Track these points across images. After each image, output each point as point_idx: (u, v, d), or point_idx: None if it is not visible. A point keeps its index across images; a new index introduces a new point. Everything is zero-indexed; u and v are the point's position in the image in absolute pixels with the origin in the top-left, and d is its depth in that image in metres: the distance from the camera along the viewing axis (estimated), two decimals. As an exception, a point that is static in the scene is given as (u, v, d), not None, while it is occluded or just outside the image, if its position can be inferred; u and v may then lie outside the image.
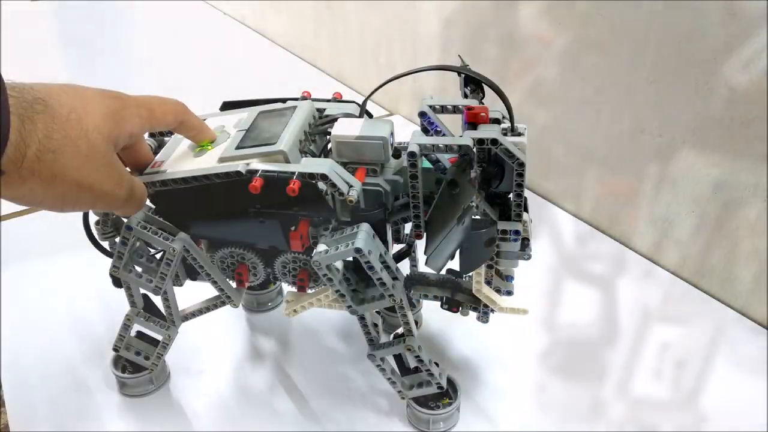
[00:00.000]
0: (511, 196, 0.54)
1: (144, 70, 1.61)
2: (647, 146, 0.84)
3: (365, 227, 0.53)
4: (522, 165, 0.51)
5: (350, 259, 0.56)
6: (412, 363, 0.62)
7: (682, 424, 0.64)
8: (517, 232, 0.54)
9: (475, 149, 0.51)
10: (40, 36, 1.92)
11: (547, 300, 0.81)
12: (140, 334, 0.68)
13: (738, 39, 0.70)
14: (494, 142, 0.50)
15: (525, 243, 0.57)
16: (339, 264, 0.56)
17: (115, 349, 0.66)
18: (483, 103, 0.56)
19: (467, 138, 0.51)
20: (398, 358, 0.62)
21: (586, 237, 0.94)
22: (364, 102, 0.59)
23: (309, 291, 0.62)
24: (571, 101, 0.93)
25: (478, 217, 0.55)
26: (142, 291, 0.64)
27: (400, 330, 0.60)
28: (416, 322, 0.76)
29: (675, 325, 0.77)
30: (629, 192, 0.89)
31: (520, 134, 0.54)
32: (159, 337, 0.66)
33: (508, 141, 0.51)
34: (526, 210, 0.56)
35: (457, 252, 0.55)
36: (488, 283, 0.61)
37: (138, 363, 0.67)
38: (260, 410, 0.67)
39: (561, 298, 0.82)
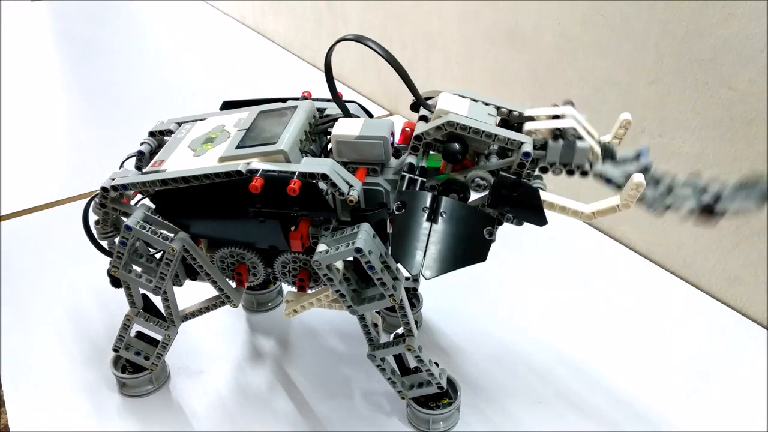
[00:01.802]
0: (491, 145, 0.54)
1: (144, 70, 1.62)
2: (647, 146, 0.84)
3: (365, 227, 0.53)
4: (451, 124, 0.52)
5: (351, 259, 0.56)
6: (412, 363, 0.62)
7: (682, 424, 0.64)
8: (526, 155, 0.51)
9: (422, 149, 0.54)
10: (40, 36, 1.92)
11: (547, 300, 0.81)
12: (140, 335, 0.68)
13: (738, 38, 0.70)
14: (418, 138, 0.54)
15: (558, 135, 0.52)
16: (339, 264, 0.56)
17: (115, 350, 0.66)
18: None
19: (409, 157, 0.55)
20: (398, 358, 0.62)
21: (587, 238, 0.94)
22: (332, 93, 0.60)
23: (309, 291, 0.62)
24: (571, 101, 0.93)
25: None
26: (142, 291, 0.64)
27: (400, 330, 0.60)
28: (416, 322, 0.76)
29: (675, 325, 0.77)
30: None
31: (433, 106, 0.55)
32: (159, 337, 0.66)
33: (430, 124, 0.53)
34: (521, 128, 0.54)
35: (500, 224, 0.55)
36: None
37: (138, 363, 0.67)
38: (260, 410, 0.67)
39: (561, 298, 0.82)
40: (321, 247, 0.53)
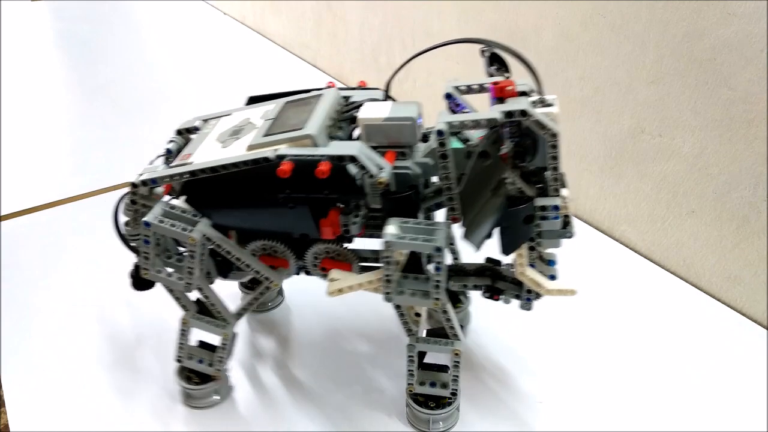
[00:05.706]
0: (547, 171, 0.52)
1: (144, 69, 1.61)
2: (647, 146, 0.84)
3: (443, 225, 0.53)
4: (554, 135, 0.49)
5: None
6: (447, 363, 0.61)
7: (682, 424, 0.64)
8: (556, 207, 0.52)
9: (505, 123, 0.51)
10: (40, 36, 1.92)
11: (546, 300, 0.81)
12: (200, 343, 0.67)
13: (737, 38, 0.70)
14: (523, 113, 0.49)
15: (566, 221, 0.54)
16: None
17: (178, 360, 0.66)
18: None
19: (495, 112, 0.50)
20: (420, 354, 0.62)
21: (587, 237, 0.94)
22: (387, 84, 0.59)
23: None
24: (571, 101, 0.93)
25: (515, 194, 0.53)
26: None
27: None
28: (462, 325, 0.75)
29: (675, 325, 0.77)
30: (629, 192, 0.89)
31: (550, 105, 0.53)
32: (216, 341, 0.65)
33: (539, 112, 0.50)
34: (564, 186, 0.54)
35: (496, 232, 0.54)
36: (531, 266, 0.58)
37: (202, 372, 0.66)
38: (260, 410, 0.67)
39: (560, 298, 0.81)
40: (391, 229, 0.52)
